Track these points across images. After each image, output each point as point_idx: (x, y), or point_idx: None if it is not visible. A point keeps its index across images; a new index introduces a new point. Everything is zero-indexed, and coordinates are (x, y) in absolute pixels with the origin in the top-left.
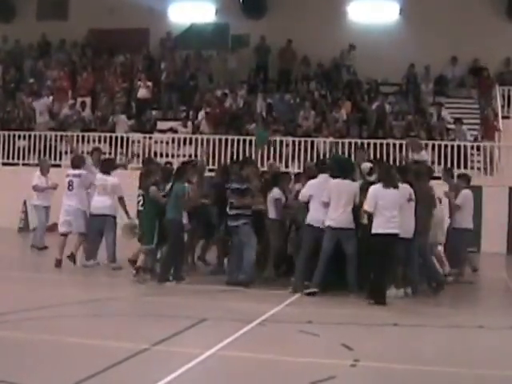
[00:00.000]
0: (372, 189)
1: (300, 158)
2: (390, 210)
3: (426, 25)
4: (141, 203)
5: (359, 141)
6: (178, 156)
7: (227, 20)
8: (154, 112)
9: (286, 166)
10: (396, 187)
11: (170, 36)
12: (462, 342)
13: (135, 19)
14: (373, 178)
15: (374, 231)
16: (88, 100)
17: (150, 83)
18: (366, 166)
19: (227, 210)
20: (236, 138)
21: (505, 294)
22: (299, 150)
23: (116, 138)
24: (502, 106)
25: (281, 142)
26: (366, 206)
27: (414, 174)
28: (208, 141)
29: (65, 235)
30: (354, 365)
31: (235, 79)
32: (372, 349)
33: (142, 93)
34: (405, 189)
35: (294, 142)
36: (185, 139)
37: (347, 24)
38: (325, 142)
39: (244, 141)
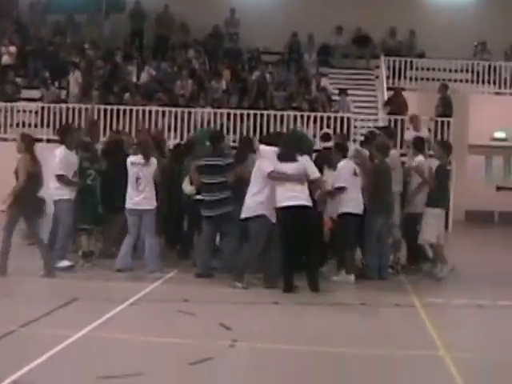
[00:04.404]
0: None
1: (177, 129)
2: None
3: None
4: (92, 177)
5: (239, 111)
6: (48, 126)
7: None
8: (18, 79)
9: None
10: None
11: None
12: (343, 319)
13: None
14: None
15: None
16: None
17: (12, 49)
18: None
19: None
20: (110, 107)
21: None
22: (176, 120)
23: None
24: (388, 77)
25: (156, 112)
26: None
27: (376, 146)
28: (80, 110)
29: None
30: (233, 345)
31: (109, 46)
32: (250, 329)
33: (5, 59)
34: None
35: (170, 112)
36: (54, 108)
37: None
38: (203, 113)
39: (118, 110)
